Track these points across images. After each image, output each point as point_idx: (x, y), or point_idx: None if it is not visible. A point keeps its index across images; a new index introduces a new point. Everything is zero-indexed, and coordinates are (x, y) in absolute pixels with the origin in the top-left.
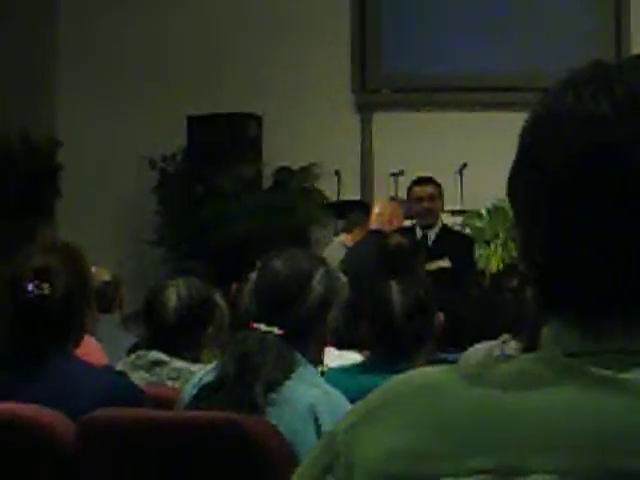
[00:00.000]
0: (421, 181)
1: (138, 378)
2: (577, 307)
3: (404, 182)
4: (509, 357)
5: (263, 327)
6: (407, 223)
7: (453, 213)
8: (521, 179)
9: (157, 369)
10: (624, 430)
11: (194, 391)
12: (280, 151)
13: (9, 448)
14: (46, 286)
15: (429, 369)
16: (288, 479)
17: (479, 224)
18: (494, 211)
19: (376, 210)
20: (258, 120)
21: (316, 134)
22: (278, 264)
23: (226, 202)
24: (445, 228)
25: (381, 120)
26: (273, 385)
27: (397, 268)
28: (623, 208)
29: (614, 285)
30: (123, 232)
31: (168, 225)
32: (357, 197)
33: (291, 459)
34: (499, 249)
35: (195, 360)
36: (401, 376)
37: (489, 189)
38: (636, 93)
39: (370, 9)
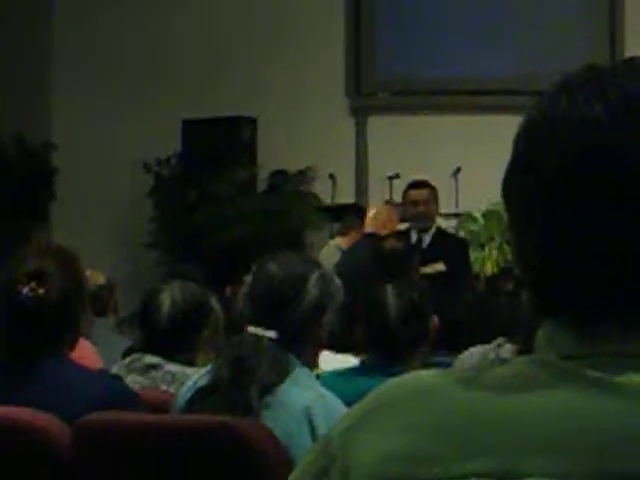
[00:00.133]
0: (416, 184)
1: (133, 382)
2: (573, 310)
3: (399, 185)
4: (504, 360)
5: (258, 330)
6: (402, 226)
7: (448, 216)
8: (516, 182)
9: (152, 373)
10: (621, 433)
11: (189, 394)
12: (275, 155)
13: (3, 452)
14: (41, 290)
15: (424, 372)
16: None
17: (474, 227)
18: (489, 214)
19: (371, 213)
20: (253, 124)
21: (311, 137)
22: (273, 267)
23: (221, 206)
24: (440, 231)
25: (376, 123)
26: (268, 388)
27: (392, 271)
28: (618, 211)
29: (610, 288)
30: (118, 235)
31: (163, 229)
32: (352, 200)
33: (286, 462)
34: (494, 252)
35: (190, 364)
36: (396, 379)
37: (484, 192)
38: (630, 96)
39: (365, 12)
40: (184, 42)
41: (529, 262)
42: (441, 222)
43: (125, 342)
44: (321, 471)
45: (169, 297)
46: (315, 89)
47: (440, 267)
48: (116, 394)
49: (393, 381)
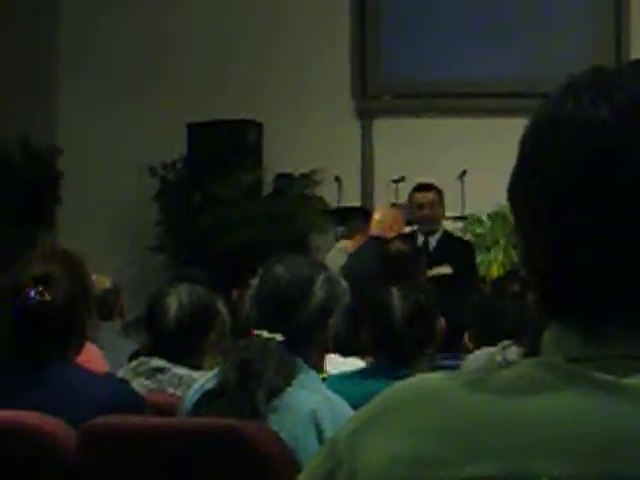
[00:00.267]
0: (422, 187)
1: (139, 385)
2: (579, 312)
3: (405, 188)
4: (510, 363)
5: (265, 333)
6: (408, 229)
7: (454, 219)
8: (522, 185)
9: (158, 376)
10: (627, 436)
11: (195, 398)
12: (280, 158)
13: (10, 456)
14: (47, 294)
15: (430, 375)
16: None
17: (480, 230)
18: (495, 217)
19: (377, 216)
20: (258, 127)
21: (316, 141)
22: (279, 270)
23: (226, 209)
24: (446, 234)
25: (382, 126)
26: (275, 391)
27: (398, 274)
28: (624, 213)
29: (616, 290)
30: (124, 239)
31: (169, 232)
32: (358, 203)
33: (293, 466)
34: (500, 255)
35: (197, 367)
36: (402, 383)
37: (490, 195)
38: (635, 98)
39: (370, 15)
40: (189, 45)
41: (535, 264)
42: (447, 225)
43: (131, 346)
44: (328, 474)
45: (176, 300)
46: (320, 92)
47: (446, 270)
48: (122, 398)
49: (399, 384)
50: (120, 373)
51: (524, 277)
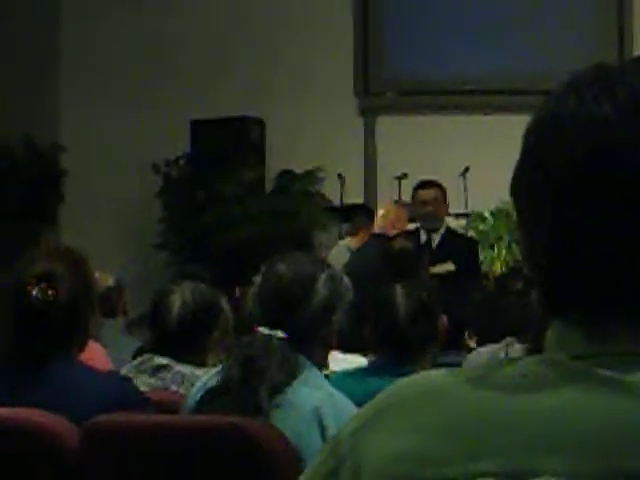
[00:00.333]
0: (425, 184)
1: (142, 383)
2: (582, 309)
3: (408, 185)
4: (513, 360)
5: (268, 331)
6: (411, 226)
7: (457, 216)
8: (524, 181)
9: (162, 373)
10: (631, 432)
11: (199, 395)
12: (283, 155)
13: (13, 453)
14: (50, 291)
15: (433, 372)
16: None
17: (483, 227)
18: (498, 214)
19: (380, 213)
20: (261, 124)
21: (319, 138)
22: (282, 268)
23: (229, 206)
24: (449, 231)
25: (385, 123)
26: (278, 388)
27: (401, 271)
28: (626, 210)
29: (618, 287)
30: (127, 237)
31: (172, 229)
32: (361, 201)
33: (296, 463)
34: (503, 252)
35: (200, 364)
36: (406, 379)
37: (493, 192)
38: (638, 95)
39: (372, 12)
40: (192, 42)
41: (538, 261)
42: (449, 222)
43: (134, 344)
44: (331, 472)
45: (179, 298)
46: (323, 89)
47: (449, 267)
48: (125, 395)
49: (403, 381)
50: (123, 371)
51: (527, 274)
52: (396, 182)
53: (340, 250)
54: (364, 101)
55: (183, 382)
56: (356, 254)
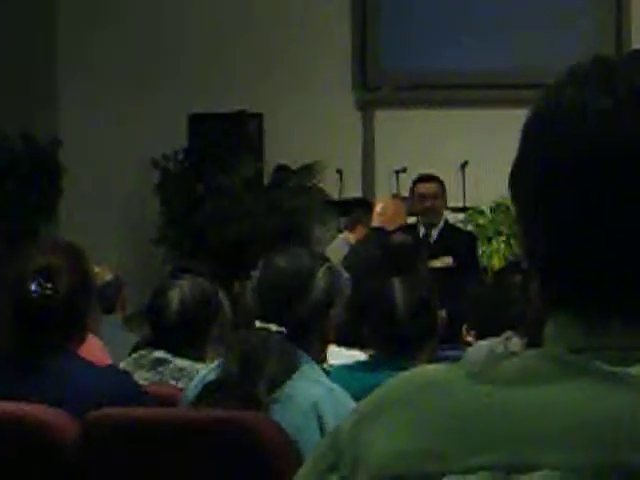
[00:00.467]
0: (424, 179)
1: (141, 377)
2: (579, 303)
3: (406, 180)
4: (512, 354)
5: (266, 325)
6: (410, 221)
7: (456, 210)
8: (523, 173)
9: (160, 368)
10: (631, 426)
11: (197, 389)
12: (281, 149)
13: (13, 447)
14: (49, 286)
15: (432, 367)
16: (292, 477)
17: (481, 221)
18: (496, 208)
19: (378, 208)
20: (259, 118)
21: (317, 132)
22: (281, 262)
23: (227, 200)
24: (448, 225)
25: (383, 117)
26: (276, 383)
27: (400, 266)
28: (624, 202)
29: (617, 281)
30: (125, 231)
31: (170, 224)
32: (359, 195)
33: (294, 457)
34: (502, 246)
35: (199, 359)
36: (405, 374)
37: (491, 186)
38: (637, 88)
39: (370, 6)
40: (190, 37)
41: (536, 254)
42: (448, 216)
43: (133, 339)
44: (330, 466)
45: (178, 293)
46: (321, 83)
47: (448, 261)
48: (124, 389)
49: (402, 376)
50: (122, 365)
51: (526, 268)
52: (394, 176)
53: (339, 244)
54: (362, 95)
55: (182, 376)
56: (355, 249)
